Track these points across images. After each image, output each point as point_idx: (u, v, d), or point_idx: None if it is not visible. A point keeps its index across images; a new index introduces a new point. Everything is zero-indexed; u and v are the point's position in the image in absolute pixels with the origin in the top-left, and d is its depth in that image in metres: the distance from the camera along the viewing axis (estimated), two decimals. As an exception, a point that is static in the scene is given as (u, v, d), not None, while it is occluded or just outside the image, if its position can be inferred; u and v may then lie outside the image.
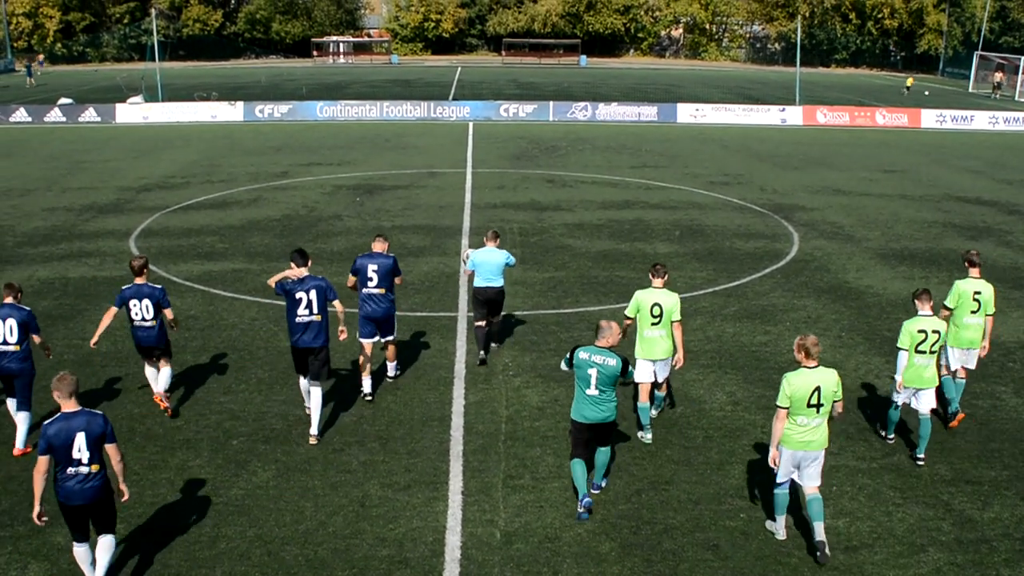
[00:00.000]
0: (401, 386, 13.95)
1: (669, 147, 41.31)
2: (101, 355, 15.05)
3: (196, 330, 16.42)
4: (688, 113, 52.18)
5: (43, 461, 8.65)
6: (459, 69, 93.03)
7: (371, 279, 13.40)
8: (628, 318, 12.45)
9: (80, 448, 8.74)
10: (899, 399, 12.16)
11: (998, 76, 75.90)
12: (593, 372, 10.26)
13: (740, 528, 10.19)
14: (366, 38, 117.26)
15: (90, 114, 49.85)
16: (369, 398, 13.51)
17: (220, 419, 12.80)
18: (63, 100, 53.18)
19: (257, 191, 29.43)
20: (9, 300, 11.98)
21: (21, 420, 11.91)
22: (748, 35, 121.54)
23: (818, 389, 9.69)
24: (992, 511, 10.64)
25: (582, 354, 10.39)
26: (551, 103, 53.19)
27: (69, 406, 8.91)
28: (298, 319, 12.27)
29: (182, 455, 11.73)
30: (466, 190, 29.11)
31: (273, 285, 12.52)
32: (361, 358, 13.67)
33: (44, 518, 8.78)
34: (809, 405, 9.68)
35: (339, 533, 9.98)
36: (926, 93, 73.33)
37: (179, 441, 12.12)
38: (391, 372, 14.38)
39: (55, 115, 49.69)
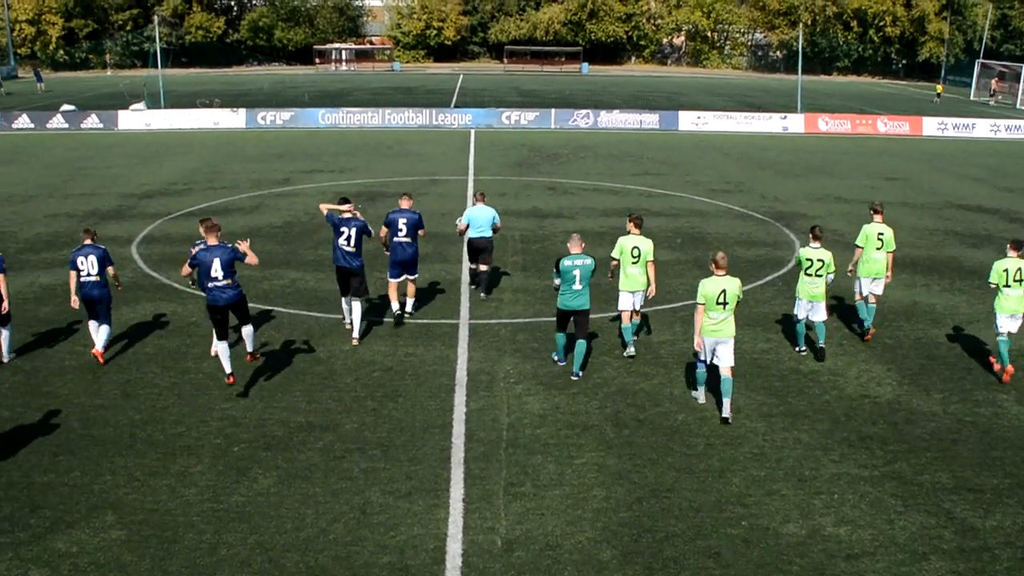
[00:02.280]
0: (403, 393, 13.95)
1: (671, 155, 41.34)
2: (104, 361, 15.08)
3: (197, 336, 16.42)
4: (690, 121, 52.24)
5: (189, 269, 14.14)
6: (461, 76, 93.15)
7: (401, 230, 16.78)
8: (613, 259, 15.56)
9: (216, 268, 13.50)
10: (800, 313, 15.78)
11: (995, 83, 76.10)
12: (577, 272, 14.31)
13: (742, 536, 10.18)
14: (368, 45, 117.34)
15: (92, 121, 49.96)
16: (399, 314, 17.04)
17: (221, 426, 12.80)
18: (65, 107, 53.29)
19: (259, 198, 29.46)
20: (88, 241, 15.30)
21: (103, 332, 15.17)
22: (750, 43, 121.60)
23: (724, 291, 12.97)
24: (994, 519, 10.62)
25: (566, 262, 14.37)
26: (553, 111, 53.27)
27: (212, 241, 13.77)
28: (340, 246, 15.90)
29: (183, 461, 11.73)
30: (468, 197, 29.11)
31: (324, 211, 16.45)
32: (390, 293, 17.14)
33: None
34: (718, 303, 12.99)
35: (340, 540, 9.97)
36: (935, 100, 73.27)
37: (180, 447, 12.12)
38: (409, 307, 17.47)
39: (57, 121, 49.80)
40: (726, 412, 13.03)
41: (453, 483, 11.23)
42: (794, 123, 52.41)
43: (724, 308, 12.96)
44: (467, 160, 38.65)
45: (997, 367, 15.08)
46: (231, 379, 14.00)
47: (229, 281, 13.67)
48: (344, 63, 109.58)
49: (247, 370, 14.75)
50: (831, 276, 15.66)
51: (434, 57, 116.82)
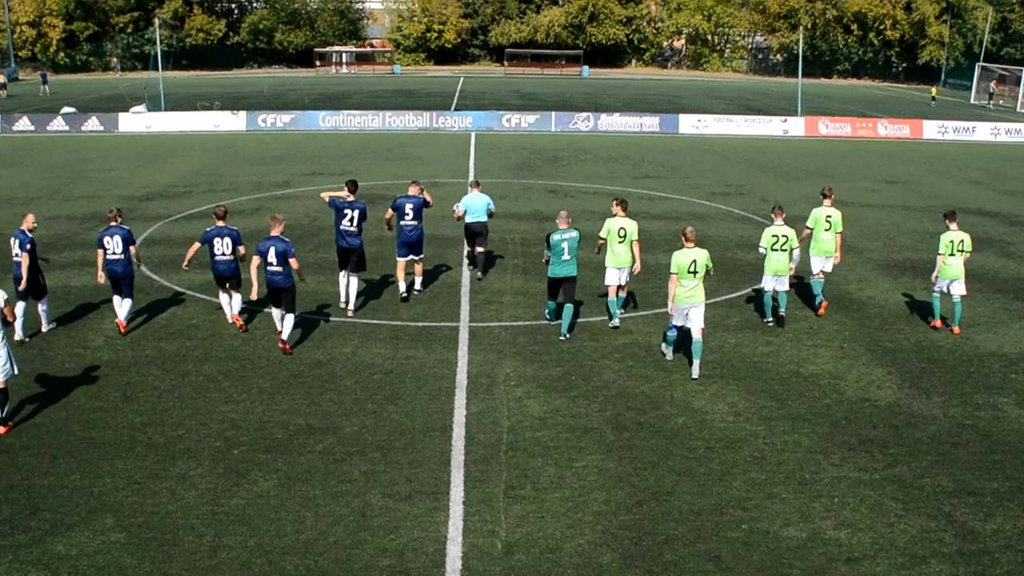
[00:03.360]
0: (403, 396, 13.95)
1: (671, 158, 41.35)
2: (103, 364, 15.11)
3: (198, 339, 16.42)
4: (690, 124, 52.26)
5: (256, 259, 15.69)
6: (461, 79, 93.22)
7: (407, 214, 18.27)
8: (601, 238, 16.91)
9: (272, 257, 15.56)
10: (767, 286, 17.29)
11: (995, 87, 76.20)
12: (565, 244, 16.14)
13: (742, 539, 10.17)
14: (369, 48, 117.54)
15: (93, 123, 50.00)
16: (405, 294, 18.59)
17: (221, 428, 12.79)
18: (66, 109, 53.37)
19: (259, 200, 29.47)
20: (113, 223, 16.53)
21: (126, 305, 16.65)
22: (750, 46, 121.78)
23: (694, 260, 14.64)
24: (994, 523, 10.62)
25: (555, 236, 16.22)
26: (553, 113, 53.31)
27: (276, 232, 15.81)
28: (342, 228, 17.40)
29: (183, 464, 11.73)
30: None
31: (326, 199, 17.83)
32: (398, 273, 18.61)
33: (255, 295, 15.78)
34: (689, 272, 14.64)
35: (340, 543, 9.97)
36: (931, 104, 73.32)
37: (180, 450, 12.12)
38: (418, 286, 19.11)
39: (58, 124, 49.85)
40: (695, 373, 14.79)
41: (453, 486, 11.22)
42: (794, 126, 52.42)
43: (695, 276, 14.68)
44: (468, 163, 38.66)
45: (937, 323, 17.53)
46: (282, 344, 15.67)
47: (281, 268, 15.62)
48: (345, 66, 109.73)
49: (247, 375, 14.75)
50: (796, 251, 17.46)
51: (434, 60, 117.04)
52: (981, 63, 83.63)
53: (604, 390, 14.30)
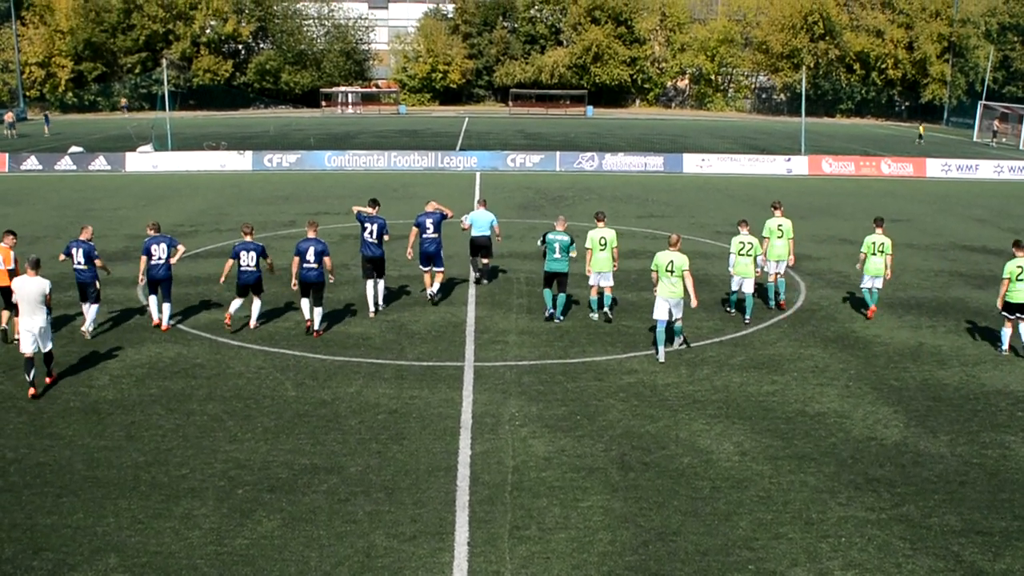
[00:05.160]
0: (407, 436, 13.92)
1: (675, 197, 41.49)
2: (108, 403, 15.12)
3: (202, 378, 16.43)
4: (694, 163, 52.47)
5: (296, 260, 18.52)
6: (466, 119, 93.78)
7: (428, 229, 21.07)
8: (587, 248, 19.73)
9: (311, 256, 18.42)
10: (734, 286, 20.47)
11: (997, 125, 76.49)
12: (557, 244, 19.64)
13: (748, 580, 10.10)
14: (374, 89, 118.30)
15: (100, 163, 50.34)
16: (431, 296, 21.44)
17: (225, 468, 12.76)
18: (74, 148, 53.72)
19: (265, 240, 29.45)
20: (152, 232, 19.32)
21: (166, 309, 19.34)
22: (754, 86, 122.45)
23: (671, 261, 17.21)
24: (1003, 562, 10.53)
25: (550, 235, 19.88)
26: (558, 153, 53.57)
27: (311, 235, 18.85)
28: (365, 238, 20.23)
29: (187, 503, 11.69)
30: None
31: (355, 211, 20.80)
32: (425, 280, 21.51)
33: (296, 284, 18.70)
34: (667, 271, 17.21)
35: (344, 584, 9.90)
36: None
37: (184, 489, 12.08)
38: (435, 292, 21.46)
39: (65, 163, 50.21)
40: (675, 345, 18.32)
41: (458, 526, 11.17)
42: (798, 165, 52.60)
43: (672, 275, 17.22)
44: (472, 203, 38.67)
45: (872, 309, 20.97)
46: (309, 325, 18.84)
47: (316, 265, 18.47)
48: (350, 106, 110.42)
49: (252, 415, 14.74)
50: (760, 257, 20.36)
51: (439, 100, 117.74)
52: (983, 101, 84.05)
53: (609, 430, 14.26)
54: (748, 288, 20.17)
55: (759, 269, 20.55)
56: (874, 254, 20.46)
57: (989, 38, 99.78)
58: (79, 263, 18.37)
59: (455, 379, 16.50)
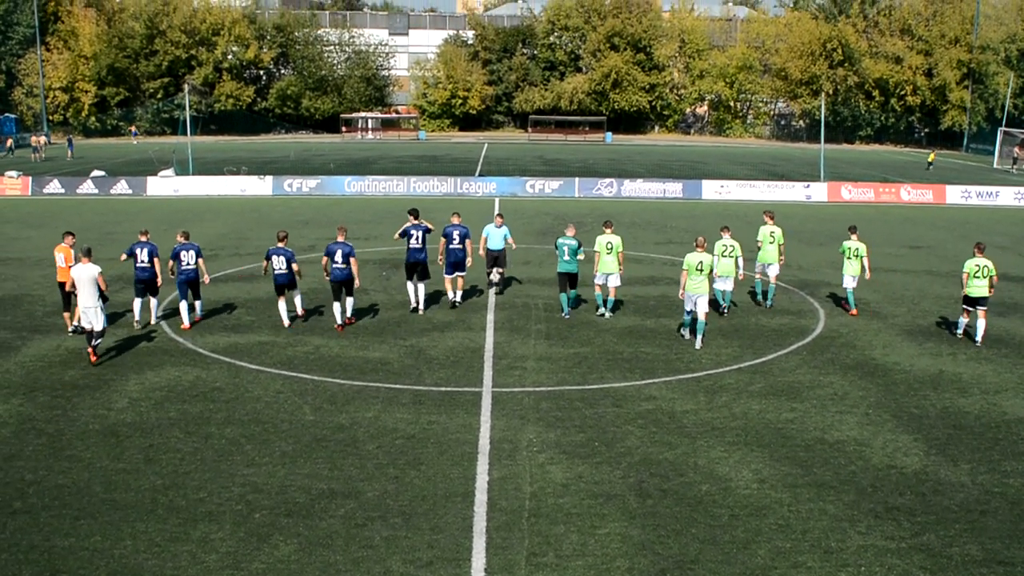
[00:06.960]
0: (425, 461, 13.91)
1: (694, 223, 41.44)
2: (126, 426, 15.17)
3: (221, 402, 16.48)
4: (713, 190, 52.44)
5: (326, 259, 21.15)
6: (485, 145, 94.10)
7: (454, 239, 23.18)
8: (596, 251, 22.11)
9: (339, 257, 20.87)
10: (718, 285, 22.84)
11: (1017, 151, 76.10)
12: (566, 247, 22.08)
13: (767, 609, 10.01)
14: (394, 114, 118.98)
15: (122, 186, 50.74)
16: (454, 301, 23.73)
17: (243, 492, 12.78)
18: (96, 172, 54.17)
19: (284, 264, 29.62)
20: (182, 239, 21.62)
21: (198, 306, 21.94)
22: (773, 112, 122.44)
23: (701, 262, 19.78)
24: (1026, 595, 10.42)
25: (560, 240, 22.41)
26: (577, 179, 53.65)
27: (340, 238, 21.36)
28: (411, 246, 22.56)
29: (204, 527, 11.70)
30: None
31: (397, 237, 23.31)
32: (447, 285, 23.62)
33: (328, 276, 21.22)
34: (696, 269, 19.75)
35: (360, 609, 9.88)
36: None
37: (201, 513, 12.10)
38: (458, 296, 23.73)
39: (88, 187, 50.63)
40: (698, 344, 20.13)
41: (475, 553, 11.14)
42: (817, 192, 52.51)
43: (700, 273, 19.77)
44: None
45: (853, 312, 23.52)
46: (348, 320, 21.69)
47: (344, 265, 20.85)
48: (370, 131, 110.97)
49: (270, 439, 14.76)
50: (740, 258, 22.80)
51: (459, 126, 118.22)
52: (1003, 128, 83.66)
53: (627, 456, 14.21)
54: (728, 286, 22.95)
55: (742, 272, 23.10)
56: (849, 258, 23.48)
57: (1009, 64, 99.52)
58: (142, 262, 21.01)
59: (473, 405, 16.49)
